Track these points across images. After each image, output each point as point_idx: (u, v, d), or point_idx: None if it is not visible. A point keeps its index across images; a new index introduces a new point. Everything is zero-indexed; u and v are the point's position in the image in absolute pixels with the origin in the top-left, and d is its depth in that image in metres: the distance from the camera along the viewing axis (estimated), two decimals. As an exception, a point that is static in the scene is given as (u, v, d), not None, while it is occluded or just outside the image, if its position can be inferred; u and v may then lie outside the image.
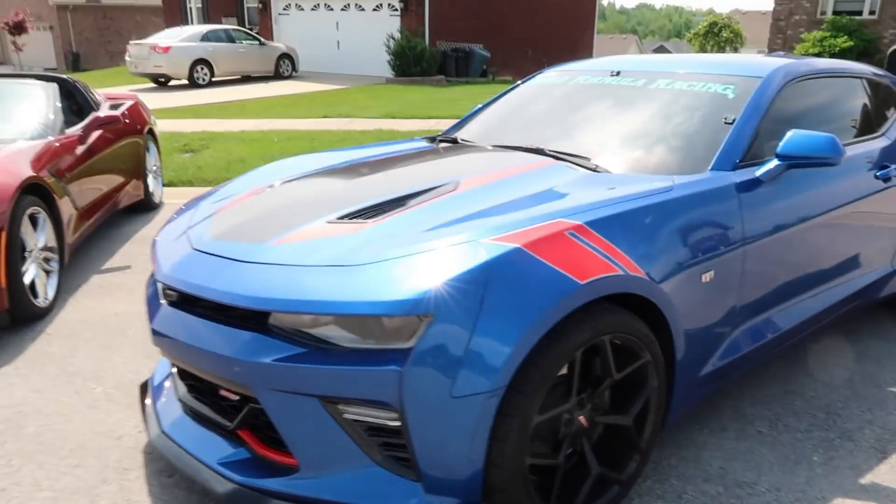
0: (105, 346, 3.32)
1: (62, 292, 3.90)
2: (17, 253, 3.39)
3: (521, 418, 1.79)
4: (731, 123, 2.64)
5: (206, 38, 16.74)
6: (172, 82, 16.67)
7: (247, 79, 17.37)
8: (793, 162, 2.50)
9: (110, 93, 6.46)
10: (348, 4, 19.61)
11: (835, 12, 17.76)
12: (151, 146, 6.04)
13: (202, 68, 16.33)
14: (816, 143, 2.47)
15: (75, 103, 5.23)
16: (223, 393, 2.06)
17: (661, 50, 67.61)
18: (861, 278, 3.14)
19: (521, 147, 2.88)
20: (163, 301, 2.19)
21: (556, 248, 1.89)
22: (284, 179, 2.76)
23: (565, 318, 1.84)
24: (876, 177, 3.07)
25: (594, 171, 2.54)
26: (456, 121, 3.74)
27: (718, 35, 21.07)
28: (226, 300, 1.91)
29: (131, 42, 17.43)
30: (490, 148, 3.01)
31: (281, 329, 1.85)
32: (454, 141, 3.30)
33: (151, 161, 5.99)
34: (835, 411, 2.77)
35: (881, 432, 2.63)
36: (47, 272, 3.76)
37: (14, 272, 3.36)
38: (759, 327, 2.58)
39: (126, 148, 5.38)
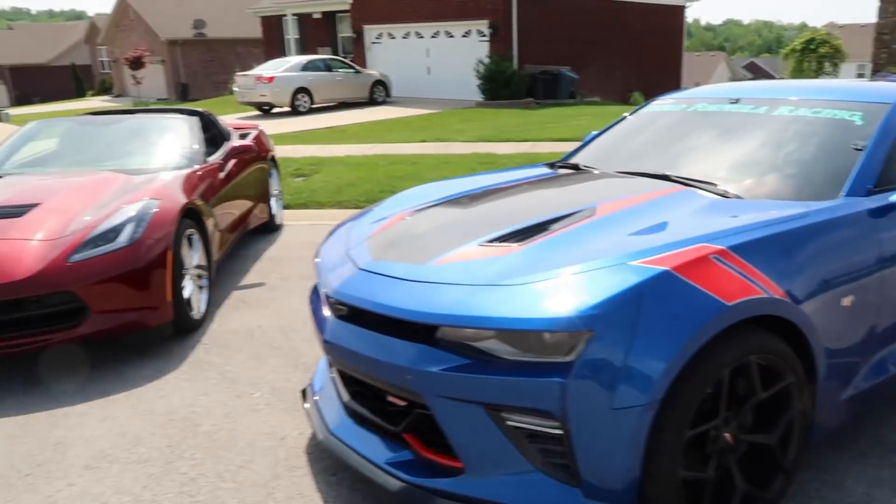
0: (255, 356, 3.66)
1: (210, 306, 4.30)
2: (179, 270, 3.80)
3: (674, 431, 1.93)
4: (861, 150, 2.69)
5: (306, 67, 17.67)
6: (275, 110, 17.65)
7: (342, 105, 18.17)
8: (928, 187, 2.52)
9: (234, 122, 7.02)
10: (438, 32, 20.19)
11: (949, 24, 16.79)
12: (273, 172, 6.51)
13: (303, 96, 17.23)
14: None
15: (211, 134, 5.74)
16: (390, 399, 2.29)
17: (751, 67, 65.26)
18: None
19: (647, 173, 3.02)
20: (330, 314, 2.45)
21: (702, 271, 2.02)
22: (427, 205, 3.00)
23: (714, 337, 1.97)
24: None
25: (723, 196, 2.65)
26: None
27: (815, 51, 20.23)
28: (397, 315, 2.14)
29: (238, 73, 18.61)
30: (614, 174, 3.16)
31: (447, 341, 2.07)
32: (575, 167, 3.46)
33: (274, 186, 6.45)
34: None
35: None
36: (200, 287, 4.17)
37: (177, 287, 3.77)
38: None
39: (254, 174, 5.85)
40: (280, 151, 10.37)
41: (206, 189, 4.64)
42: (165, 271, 3.65)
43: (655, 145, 3.39)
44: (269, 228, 6.27)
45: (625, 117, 3.82)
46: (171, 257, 3.71)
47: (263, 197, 6.05)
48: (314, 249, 2.94)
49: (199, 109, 5.88)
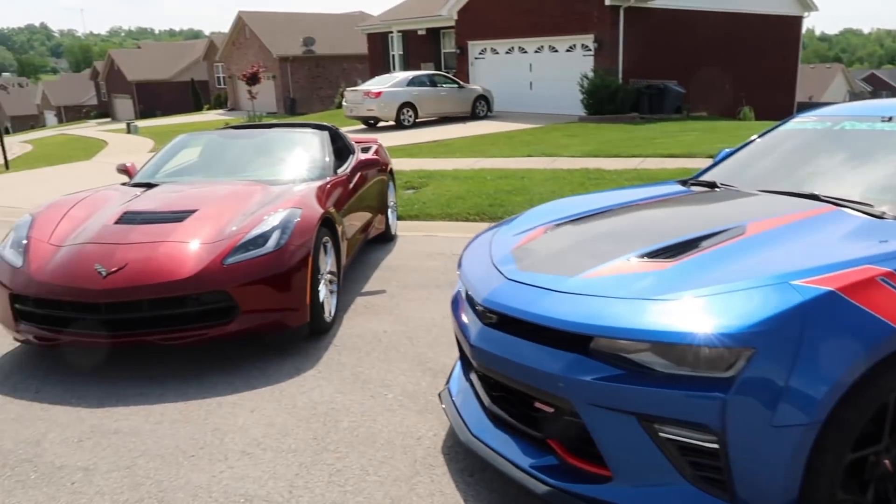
0: (384, 359, 3.83)
1: (338, 310, 4.53)
2: (316, 275, 4.04)
3: (835, 453, 1.90)
4: None
5: (412, 83, 18.15)
6: (380, 124, 18.22)
7: (444, 119, 18.52)
8: None
9: (356, 136, 7.34)
10: (542, 46, 20.25)
11: None
12: (390, 184, 6.76)
13: (407, 110, 17.71)
14: None
15: (338, 147, 6.04)
16: (537, 405, 2.37)
17: (872, 79, 61.34)
18: None
19: (794, 192, 2.96)
20: (477, 321, 2.56)
21: (869, 293, 1.98)
22: (567, 219, 3.06)
23: (881, 361, 1.92)
24: None
25: (880, 217, 2.57)
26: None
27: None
28: (551, 325, 2.22)
29: (347, 89, 19.36)
30: (758, 193, 3.11)
31: (600, 352, 2.12)
32: (712, 184, 3.43)
33: (391, 197, 6.70)
34: None
35: None
36: (331, 292, 4.41)
37: (314, 291, 4.01)
38: None
39: (375, 186, 6.10)
40: (389, 164, 10.80)
41: (337, 199, 4.90)
42: (306, 275, 3.90)
43: (799, 164, 3.32)
44: (386, 238, 6.50)
45: (763, 134, 3.74)
46: (311, 262, 3.95)
47: (382, 208, 6.30)
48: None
49: (328, 124, 6.21)
